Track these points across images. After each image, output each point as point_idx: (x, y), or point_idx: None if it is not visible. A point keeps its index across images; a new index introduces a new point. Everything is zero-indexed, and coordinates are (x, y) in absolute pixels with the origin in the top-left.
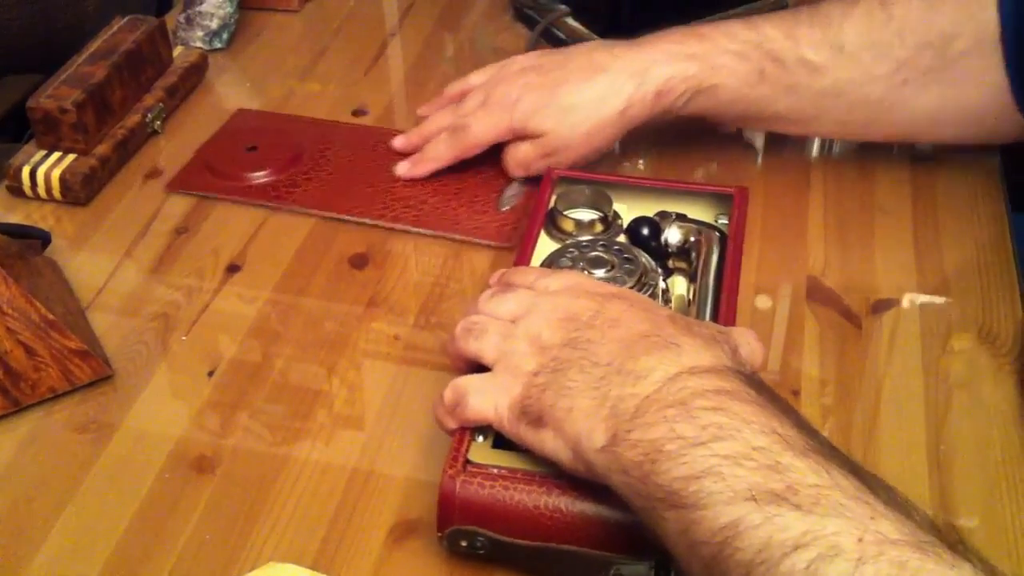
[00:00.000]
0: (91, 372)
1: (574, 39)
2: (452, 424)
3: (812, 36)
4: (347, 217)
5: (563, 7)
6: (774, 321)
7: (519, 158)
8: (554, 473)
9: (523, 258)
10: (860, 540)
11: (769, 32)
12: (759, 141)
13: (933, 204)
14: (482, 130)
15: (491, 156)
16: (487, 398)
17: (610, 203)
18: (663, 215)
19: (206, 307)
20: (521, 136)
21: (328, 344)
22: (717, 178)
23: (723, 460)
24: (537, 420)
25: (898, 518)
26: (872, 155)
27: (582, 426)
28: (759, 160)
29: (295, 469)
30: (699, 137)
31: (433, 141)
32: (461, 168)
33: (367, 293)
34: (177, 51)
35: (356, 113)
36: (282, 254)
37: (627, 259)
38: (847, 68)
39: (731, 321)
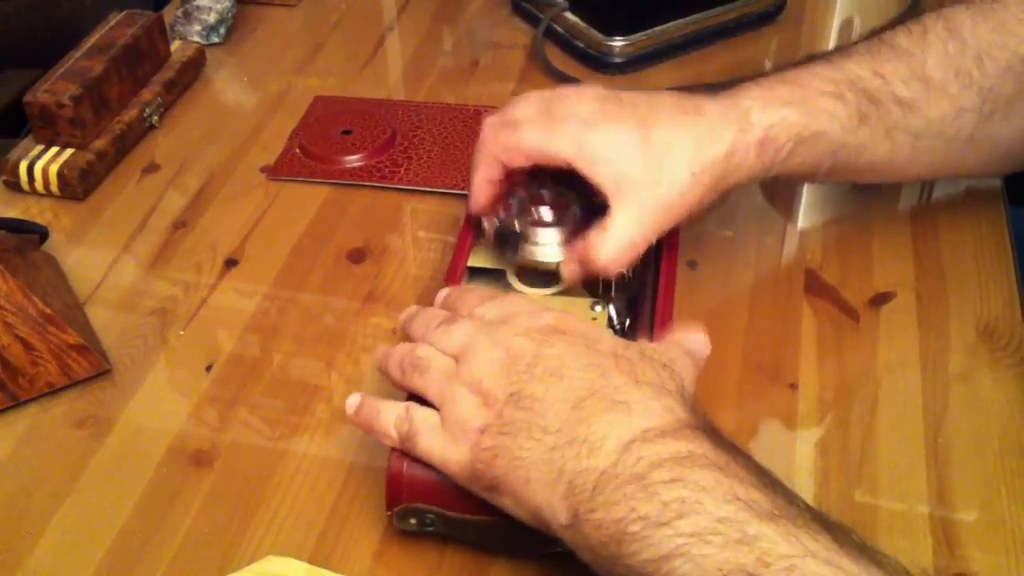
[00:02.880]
0: (89, 367)
1: (574, 35)
2: (396, 445)
3: (899, 71)
4: (457, 191)
5: (562, 1)
6: (772, 315)
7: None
8: None
9: (463, 245)
10: None
11: (855, 70)
12: None
13: (931, 196)
14: (532, 136)
15: None
16: (436, 448)
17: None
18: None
19: (204, 301)
20: (582, 170)
21: (326, 338)
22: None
23: (689, 539)
24: (492, 487)
25: None
26: None
27: (541, 499)
28: None
29: (293, 463)
30: None
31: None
32: None
33: (365, 287)
34: (175, 46)
35: None
36: (280, 248)
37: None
38: (938, 104)
39: (669, 296)
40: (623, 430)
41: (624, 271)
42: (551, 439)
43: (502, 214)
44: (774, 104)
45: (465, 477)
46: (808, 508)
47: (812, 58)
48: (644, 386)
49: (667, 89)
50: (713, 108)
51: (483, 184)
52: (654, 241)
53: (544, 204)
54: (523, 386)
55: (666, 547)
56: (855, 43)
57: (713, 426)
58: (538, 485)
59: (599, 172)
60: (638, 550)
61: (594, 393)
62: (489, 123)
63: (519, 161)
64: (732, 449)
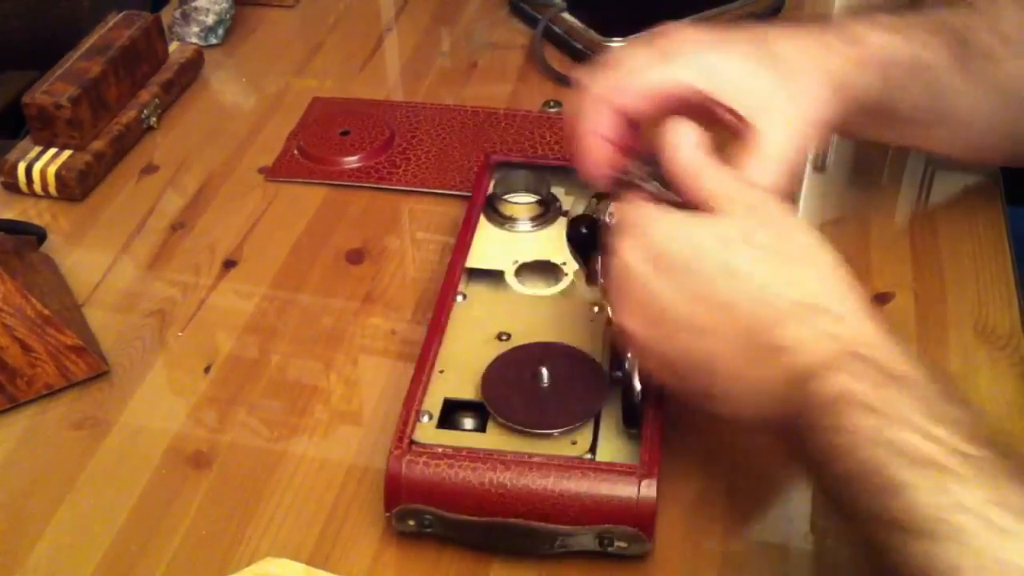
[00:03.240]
0: (87, 368)
1: (572, 36)
2: None
3: (980, 24)
4: (455, 192)
5: (560, 2)
6: None
7: (773, 158)
8: (498, 450)
9: (462, 245)
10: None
11: (946, 14)
12: None
13: (929, 197)
14: (647, 72)
15: None
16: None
17: (548, 186)
18: (600, 196)
19: (202, 303)
20: (713, 99)
21: (325, 339)
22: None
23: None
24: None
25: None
26: (869, 148)
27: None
28: None
29: (291, 464)
30: None
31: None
32: None
33: (363, 288)
34: (173, 47)
35: None
36: (278, 250)
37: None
38: (1014, 61)
39: None
40: (778, 377)
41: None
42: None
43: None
44: (876, 28)
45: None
46: (985, 442)
47: (730, 14)
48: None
49: None
50: (824, 27)
51: (593, 138)
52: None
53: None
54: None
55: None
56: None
57: (879, 335)
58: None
59: (732, 93)
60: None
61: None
62: (591, 78)
63: (643, 105)
64: (897, 379)
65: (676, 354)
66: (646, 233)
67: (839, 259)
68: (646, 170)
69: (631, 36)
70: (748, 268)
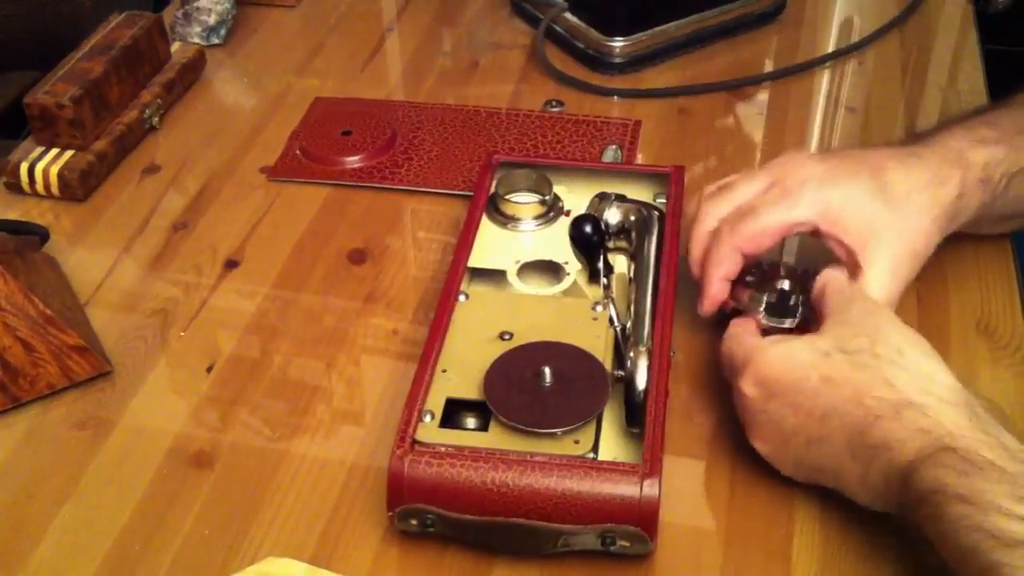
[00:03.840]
0: (90, 368)
1: (574, 36)
2: None
3: None
4: (457, 192)
5: (561, 2)
6: None
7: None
8: (500, 450)
9: (464, 245)
10: None
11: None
12: (757, 135)
13: None
14: (772, 213)
15: None
16: None
17: (550, 186)
18: (603, 196)
19: (204, 303)
20: (829, 230)
21: (326, 339)
22: (716, 173)
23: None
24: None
25: None
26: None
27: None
28: (758, 158)
29: (294, 464)
30: (694, 134)
31: (711, 244)
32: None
33: (365, 288)
34: (175, 47)
35: None
36: (280, 249)
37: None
38: None
39: (670, 297)
40: (881, 474)
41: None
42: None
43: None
44: (982, 144)
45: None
46: None
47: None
48: (896, 413)
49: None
50: (930, 152)
51: (721, 283)
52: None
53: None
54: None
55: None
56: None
57: (962, 421)
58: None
59: (845, 228)
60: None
61: (850, 437)
62: (724, 220)
63: (765, 244)
64: (982, 468)
65: (803, 463)
66: (756, 364)
67: (929, 350)
68: (756, 298)
69: (632, 35)
70: (844, 375)
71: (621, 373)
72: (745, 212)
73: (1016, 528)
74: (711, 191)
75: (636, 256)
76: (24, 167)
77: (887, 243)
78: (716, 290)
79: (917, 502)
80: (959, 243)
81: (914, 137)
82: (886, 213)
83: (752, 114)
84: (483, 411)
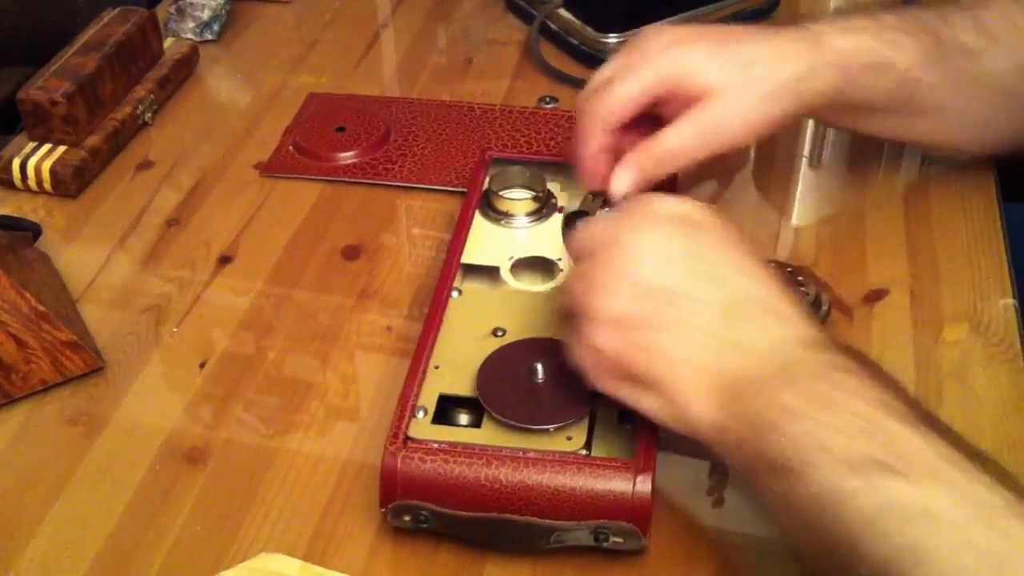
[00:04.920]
0: (82, 364)
1: (568, 32)
2: None
3: (964, 21)
4: (451, 188)
5: None
6: None
7: (670, 145)
8: (493, 446)
9: (458, 241)
10: (958, 505)
11: (923, 15)
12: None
13: (925, 193)
14: (627, 86)
15: None
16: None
17: (544, 182)
18: (596, 193)
19: (198, 299)
20: (675, 94)
21: (320, 336)
22: (712, 171)
23: (826, 430)
24: (634, 379)
25: (1002, 491)
26: (864, 145)
27: (692, 397)
28: (751, 152)
29: (287, 460)
30: None
31: (577, 125)
32: None
33: (359, 284)
34: (168, 42)
35: None
36: (274, 246)
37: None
38: (998, 57)
39: None
40: (777, 334)
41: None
42: (705, 338)
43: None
44: (848, 31)
45: (608, 365)
46: (951, 430)
47: (878, 6)
48: (795, 303)
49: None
50: (789, 32)
51: (598, 156)
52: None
53: None
54: (669, 282)
55: (803, 436)
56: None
57: (860, 351)
58: (685, 382)
59: (686, 88)
60: (776, 438)
61: (750, 299)
62: (581, 97)
63: (626, 114)
64: (878, 367)
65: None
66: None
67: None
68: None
69: (627, 32)
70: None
71: None
72: (603, 86)
73: (905, 409)
74: (585, 89)
75: None
76: (16, 163)
77: (711, 106)
78: (590, 164)
79: (795, 363)
80: (952, 239)
81: (799, 21)
82: (734, 69)
83: None
84: (476, 407)
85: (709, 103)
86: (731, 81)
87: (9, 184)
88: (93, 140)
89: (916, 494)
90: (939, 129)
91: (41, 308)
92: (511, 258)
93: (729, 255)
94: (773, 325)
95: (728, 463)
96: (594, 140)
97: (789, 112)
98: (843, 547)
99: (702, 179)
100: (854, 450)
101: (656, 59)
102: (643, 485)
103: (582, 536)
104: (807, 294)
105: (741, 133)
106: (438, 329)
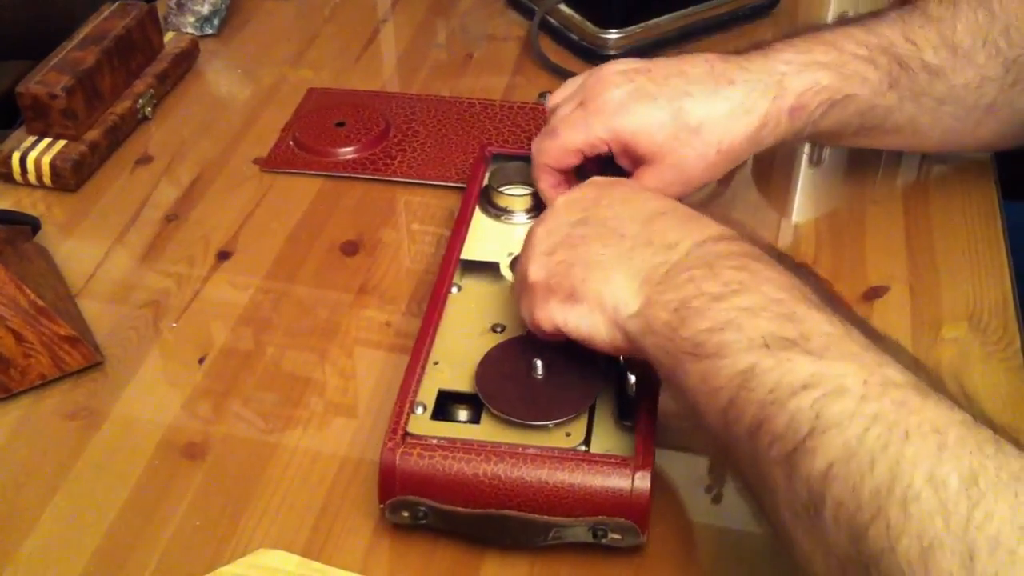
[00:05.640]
0: (81, 359)
1: (569, 28)
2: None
3: (929, 38)
4: (451, 184)
5: None
6: None
7: None
8: (492, 442)
9: (457, 237)
10: (865, 382)
11: (889, 35)
12: None
13: (924, 192)
14: (570, 136)
15: None
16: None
17: None
18: None
19: (197, 294)
20: (624, 151)
21: (319, 331)
22: None
23: (742, 312)
24: (570, 295)
25: (904, 369)
26: None
27: (619, 295)
28: None
29: (286, 456)
30: None
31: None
32: None
33: (358, 280)
34: (168, 37)
35: None
36: (273, 241)
37: None
38: (963, 71)
39: None
40: (696, 234)
41: None
42: (627, 243)
43: None
44: (808, 68)
45: (542, 293)
46: (860, 318)
47: (846, 20)
48: (710, 217)
49: (709, 53)
50: (746, 76)
51: (555, 187)
52: None
53: None
54: (589, 213)
55: (721, 318)
56: (890, 7)
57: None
58: (615, 285)
59: (634, 152)
60: (696, 322)
61: (665, 213)
62: (537, 137)
63: (571, 162)
64: (790, 262)
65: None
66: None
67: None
68: None
69: (627, 28)
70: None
71: (613, 366)
72: (551, 134)
73: (818, 299)
74: (541, 134)
75: None
76: (16, 157)
77: (660, 171)
78: (549, 195)
79: (716, 256)
80: (952, 237)
81: (763, 45)
82: (672, 141)
83: None
84: (475, 403)
85: (657, 166)
86: (679, 148)
87: (8, 178)
88: (92, 134)
89: (827, 370)
90: (911, 142)
91: (40, 302)
92: (511, 254)
93: (642, 192)
94: (692, 226)
95: (652, 358)
96: (548, 176)
97: (744, 157)
98: (756, 426)
99: None
100: (768, 330)
101: (608, 119)
102: (642, 482)
103: (580, 532)
104: None
105: (695, 183)
106: (437, 325)
